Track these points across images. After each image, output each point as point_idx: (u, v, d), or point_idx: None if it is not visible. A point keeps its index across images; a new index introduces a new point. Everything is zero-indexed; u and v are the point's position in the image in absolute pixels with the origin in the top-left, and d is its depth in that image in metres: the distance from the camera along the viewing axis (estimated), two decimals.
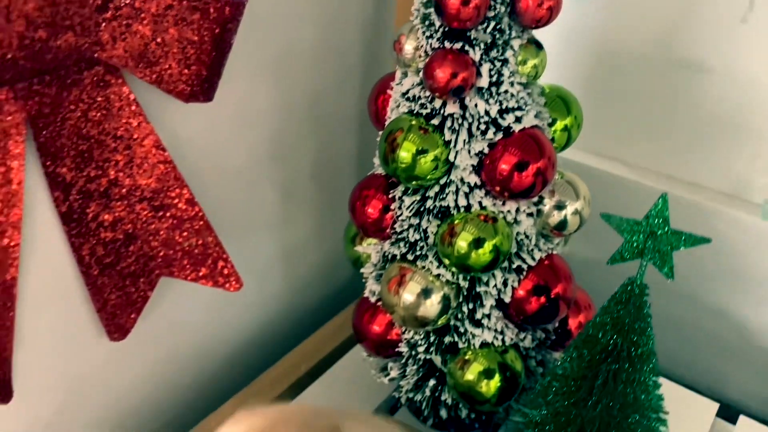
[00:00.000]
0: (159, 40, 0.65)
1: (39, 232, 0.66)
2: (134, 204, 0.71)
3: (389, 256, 0.73)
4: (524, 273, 0.70)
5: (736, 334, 1.07)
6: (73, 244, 0.69)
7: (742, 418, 0.91)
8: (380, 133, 0.69)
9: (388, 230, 0.72)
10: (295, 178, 0.95)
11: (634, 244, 0.59)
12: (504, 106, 0.62)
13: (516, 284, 0.70)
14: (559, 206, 0.70)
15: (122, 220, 0.71)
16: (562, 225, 0.71)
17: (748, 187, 1.10)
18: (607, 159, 1.05)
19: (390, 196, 0.70)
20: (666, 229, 0.57)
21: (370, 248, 0.77)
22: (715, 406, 0.92)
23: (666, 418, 0.65)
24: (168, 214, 0.73)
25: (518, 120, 0.63)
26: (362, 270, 0.78)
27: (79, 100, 0.64)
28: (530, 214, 0.68)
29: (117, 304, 0.74)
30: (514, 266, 0.69)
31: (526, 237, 0.69)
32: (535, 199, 0.68)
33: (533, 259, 0.70)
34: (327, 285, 1.12)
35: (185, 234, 0.75)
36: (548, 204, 0.69)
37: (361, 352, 0.96)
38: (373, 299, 0.77)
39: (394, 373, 0.79)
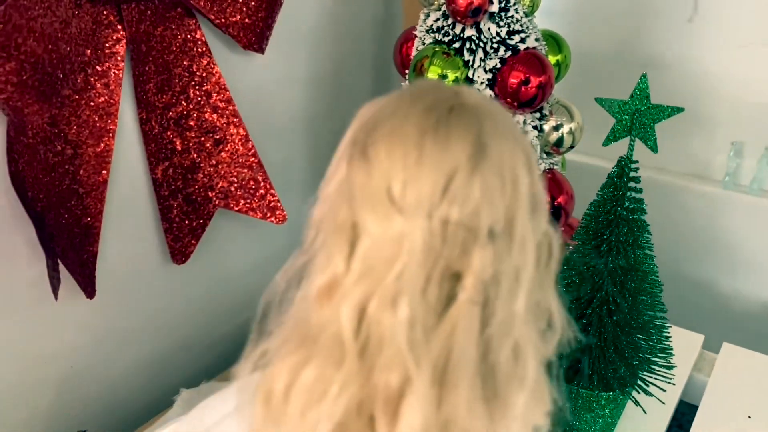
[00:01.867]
0: None
1: (126, 145, 0.78)
2: (201, 135, 0.83)
3: None
4: None
5: (710, 300, 1.20)
6: (151, 163, 0.80)
7: (725, 345, 1.02)
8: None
9: None
10: (323, 144, 1.08)
11: (623, 123, 0.73)
12: (511, 29, 0.78)
13: None
14: (557, 126, 0.84)
15: (190, 149, 0.83)
16: (560, 142, 0.85)
17: (708, 167, 1.26)
18: (588, 155, 1.17)
19: None
20: (647, 104, 0.71)
21: None
22: (701, 337, 1.03)
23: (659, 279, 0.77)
24: (227, 148, 0.86)
25: (523, 41, 0.78)
26: None
27: (164, 33, 0.78)
28: (534, 127, 0.82)
29: (181, 227, 0.85)
30: None
31: (533, 147, 0.82)
32: (538, 114, 0.82)
33: (539, 170, 0.83)
34: None
35: (240, 168, 0.87)
36: (548, 124, 0.84)
37: None
38: None
39: None
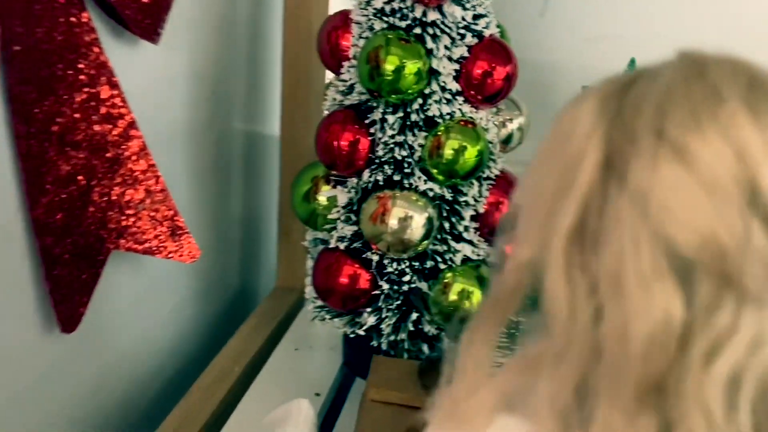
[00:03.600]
0: None
1: None
2: (91, 154, 0.61)
3: (369, 187, 0.73)
4: (490, 183, 0.75)
5: None
6: (30, 196, 0.57)
7: None
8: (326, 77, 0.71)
9: (362, 161, 0.72)
10: (206, 156, 0.89)
11: None
12: (477, 12, 0.68)
13: (487, 193, 0.75)
14: (507, 121, 0.77)
15: (77, 174, 0.60)
16: (509, 139, 0.78)
17: None
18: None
19: (367, 121, 0.71)
20: None
21: (335, 191, 0.76)
22: None
23: None
24: (123, 170, 0.65)
25: (488, 26, 0.70)
26: (330, 216, 0.76)
27: (44, 16, 0.55)
28: (495, 124, 0.74)
29: (70, 282, 0.62)
30: (484, 176, 0.74)
31: (493, 145, 0.74)
32: (496, 109, 0.74)
33: (497, 169, 0.76)
34: (225, 293, 1.04)
35: (140, 195, 0.66)
36: (499, 119, 0.76)
37: (291, 345, 0.91)
38: (343, 246, 0.75)
39: (370, 320, 0.77)
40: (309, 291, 0.83)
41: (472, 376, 0.33)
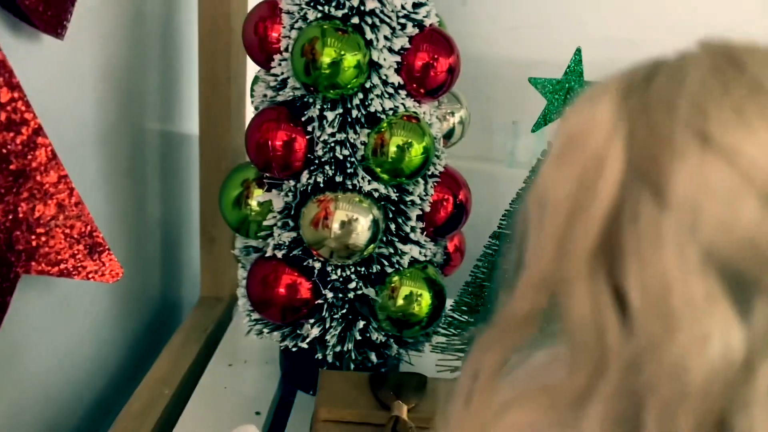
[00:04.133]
0: None
1: None
2: None
3: (308, 189, 0.67)
4: (435, 180, 0.72)
5: None
6: None
7: None
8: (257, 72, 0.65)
9: (299, 162, 0.67)
10: (121, 160, 0.81)
11: (555, 104, 0.66)
12: (417, 0, 0.64)
13: (432, 191, 0.71)
14: (448, 114, 0.74)
15: None
16: (450, 133, 0.75)
17: (490, 148, 1.29)
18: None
19: (304, 119, 0.65)
20: (580, 82, 0.65)
21: (270, 195, 0.70)
22: None
23: None
24: (30, 184, 0.57)
25: (428, 15, 0.66)
26: (265, 222, 0.70)
27: None
28: (438, 117, 0.71)
29: None
30: (429, 173, 0.71)
31: (437, 140, 0.71)
32: (437, 103, 0.71)
33: (441, 166, 0.72)
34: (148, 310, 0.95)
35: (51, 209, 0.58)
36: (441, 112, 0.73)
37: (224, 361, 0.85)
38: (280, 254, 0.70)
39: (314, 332, 0.72)
40: (243, 303, 0.77)
41: (480, 414, 0.29)
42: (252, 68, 0.88)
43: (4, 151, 0.54)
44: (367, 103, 0.65)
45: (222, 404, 0.78)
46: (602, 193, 0.26)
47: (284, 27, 0.65)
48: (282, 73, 0.67)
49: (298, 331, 0.74)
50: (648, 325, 0.24)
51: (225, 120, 0.89)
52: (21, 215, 0.56)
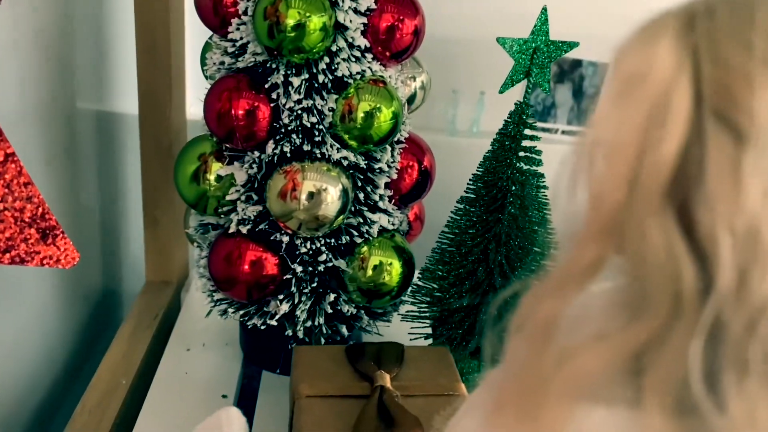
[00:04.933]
0: None
1: None
2: None
3: (274, 160, 0.65)
4: (401, 147, 0.70)
5: None
6: None
7: None
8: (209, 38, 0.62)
9: (263, 132, 0.64)
10: (60, 139, 0.75)
11: (522, 65, 0.65)
12: None
13: (399, 158, 0.70)
14: (410, 79, 0.72)
15: None
16: (412, 98, 0.73)
17: (431, 117, 1.28)
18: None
19: (267, 86, 0.62)
20: (546, 41, 0.65)
21: (231, 168, 0.67)
22: None
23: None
24: None
25: None
26: (228, 197, 0.67)
27: None
28: (403, 82, 0.69)
29: None
30: (395, 140, 0.69)
31: (402, 106, 0.69)
32: (401, 66, 0.69)
33: (406, 132, 0.71)
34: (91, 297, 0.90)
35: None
36: (403, 76, 0.71)
37: (181, 346, 0.81)
38: (245, 230, 0.67)
39: (284, 308, 0.69)
40: (203, 284, 0.74)
41: (539, 365, 0.28)
42: (195, 36, 0.84)
43: None
44: (333, 68, 0.62)
45: (185, 390, 0.75)
46: (672, 130, 0.25)
47: None
48: (241, 38, 0.63)
49: (265, 309, 0.71)
50: (738, 263, 0.24)
51: (166, 94, 0.84)
52: None
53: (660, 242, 0.25)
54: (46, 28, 0.71)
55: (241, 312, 0.71)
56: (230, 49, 0.64)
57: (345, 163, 0.65)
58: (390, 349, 0.66)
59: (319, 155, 0.64)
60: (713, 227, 0.24)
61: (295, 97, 0.62)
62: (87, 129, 0.85)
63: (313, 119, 0.63)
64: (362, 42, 0.63)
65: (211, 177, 0.68)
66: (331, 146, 0.64)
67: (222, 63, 0.65)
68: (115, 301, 0.98)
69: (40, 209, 0.56)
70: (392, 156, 0.68)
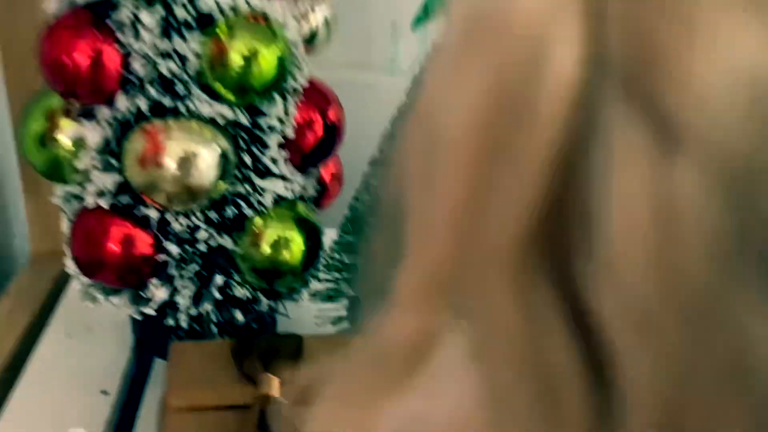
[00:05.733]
0: None
1: None
2: None
3: (130, 119, 0.52)
4: (297, 98, 0.58)
5: None
6: None
7: None
8: None
9: (113, 82, 0.51)
10: None
11: None
12: None
13: (294, 111, 0.57)
14: (308, 13, 0.59)
15: None
16: (313, 37, 0.61)
17: (369, 53, 1.16)
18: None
19: (114, 25, 0.49)
20: None
21: (84, 129, 0.54)
22: None
23: None
24: None
25: None
26: (78, 165, 0.55)
27: None
28: (294, 17, 0.56)
29: None
30: (288, 88, 0.57)
31: (295, 47, 0.56)
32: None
33: (302, 78, 0.58)
34: None
35: None
36: (298, 9, 0.58)
37: (60, 330, 0.70)
38: (105, 203, 0.55)
39: (161, 294, 0.58)
40: (70, 264, 0.62)
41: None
42: None
43: None
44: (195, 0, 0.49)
45: (57, 383, 0.64)
46: (547, 108, 0.13)
47: None
48: None
49: (143, 294, 0.60)
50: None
51: (31, 36, 0.70)
52: None
53: (517, 317, 0.14)
54: None
55: (114, 298, 0.60)
56: None
57: (221, 121, 0.52)
58: (283, 342, 0.55)
59: (185, 112, 0.51)
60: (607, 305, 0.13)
61: (148, 38, 0.49)
62: None
63: (173, 66, 0.50)
64: None
65: (61, 138, 0.55)
66: (201, 100, 0.51)
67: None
68: None
69: None
70: (285, 109, 0.56)
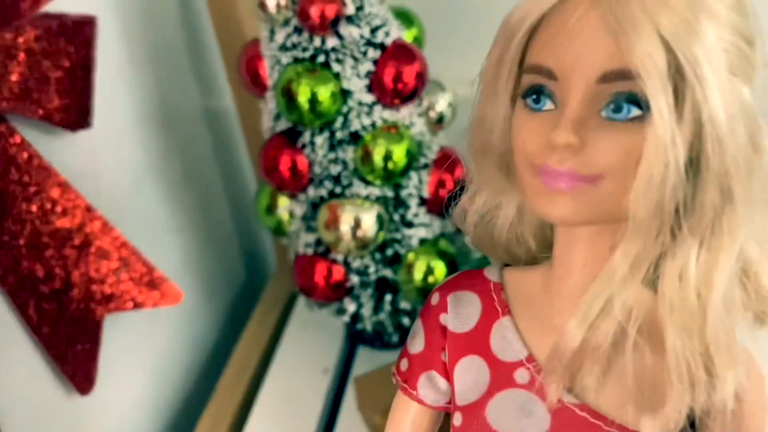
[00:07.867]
0: (36, 75, 0.64)
1: None
2: (59, 248, 0.69)
3: (318, 200, 0.79)
4: (429, 167, 0.80)
5: None
6: (17, 303, 0.65)
7: None
8: (268, 93, 0.75)
9: (305, 179, 0.78)
10: (185, 190, 0.96)
11: None
12: (373, 25, 0.71)
13: (428, 178, 0.80)
14: (432, 104, 0.81)
15: (54, 269, 0.69)
16: (441, 118, 0.82)
17: None
18: None
19: (298, 146, 0.76)
20: None
21: (292, 205, 0.82)
22: None
23: None
24: (92, 249, 0.72)
25: (387, 34, 0.72)
26: (291, 228, 0.83)
27: None
28: (419, 115, 0.78)
29: (75, 355, 0.72)
30: (421, 164, 0.79)
31: (422, 135, 0.79)
32: (418, 101, 0.78)
33: (433, 153, 0.80)
34: (229, 286, 1.13)
35: (113, 263, 0.74)
36: (424, 105, 0.80)
37: (294, 325, 1.01)
38: (311, 251, 0.83)
39: (351, 308, 0.85)
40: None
41: None
42: None
43: (67, 233, 0.69)
44: (348, 124, 0.74)
45: (295, 364, 0.94)
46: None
47: (268, 67, 0.75)
48: (276, 107, 0.77)
49: (341, 307, 0.87)
50: None
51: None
52: (93, 274, 0.72)
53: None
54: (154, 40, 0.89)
55: (324, 309, 0.89)
56: (271, 115, 0.78)
57: (374, 196, 0.77)
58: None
59: (349, 194, 0.77)
60: None
61: (321, 152, 0.75)
62: (200, 127, 1.05)
63: (338, 168, 0.76)
64: (369, 99, 0.73)
65: (281, 211, 0.84)
66: (358, 187, 0.76)
67: (269, 126, 0.79)
68: (248, 290, 1.21)
69: (146, 268, 0.76)
70: (419, 179, 0.79)
